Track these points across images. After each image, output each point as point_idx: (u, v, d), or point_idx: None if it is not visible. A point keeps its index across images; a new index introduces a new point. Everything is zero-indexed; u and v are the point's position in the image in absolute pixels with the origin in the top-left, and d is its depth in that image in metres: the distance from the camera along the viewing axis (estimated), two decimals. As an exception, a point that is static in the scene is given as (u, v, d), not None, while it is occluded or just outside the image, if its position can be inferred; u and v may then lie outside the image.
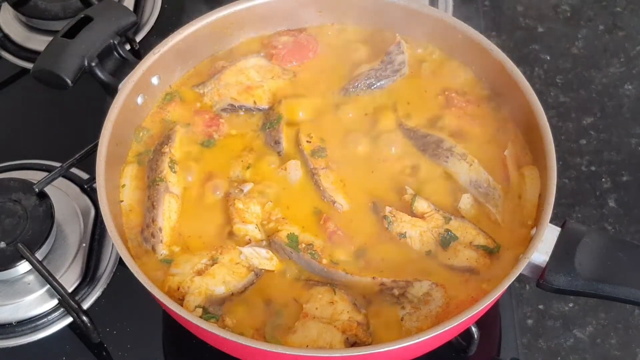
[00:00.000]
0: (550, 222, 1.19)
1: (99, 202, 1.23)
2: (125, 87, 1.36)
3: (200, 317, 1.17)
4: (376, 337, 1.18)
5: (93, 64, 1.38)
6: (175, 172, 1.34)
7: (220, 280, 1.22)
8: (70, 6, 1.75)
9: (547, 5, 1.87)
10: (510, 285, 1.15)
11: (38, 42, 1.76)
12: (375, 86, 1.43)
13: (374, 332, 1.18)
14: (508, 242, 1.25)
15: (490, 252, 1.25)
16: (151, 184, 1.32)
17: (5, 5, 1.81)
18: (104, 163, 1.28)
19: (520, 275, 1.17)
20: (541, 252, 1.19)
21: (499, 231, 1.27)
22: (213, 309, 1.20)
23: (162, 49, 1.41)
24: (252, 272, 1.24)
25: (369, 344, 1.16)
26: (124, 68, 1.41)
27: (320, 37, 1.51)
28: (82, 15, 1.41)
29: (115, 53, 1.42)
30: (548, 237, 1.19)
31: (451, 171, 1.32)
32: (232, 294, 1.22)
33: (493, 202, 1.29)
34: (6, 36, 1.80)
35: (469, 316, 1.11)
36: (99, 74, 1.39)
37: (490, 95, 1.42)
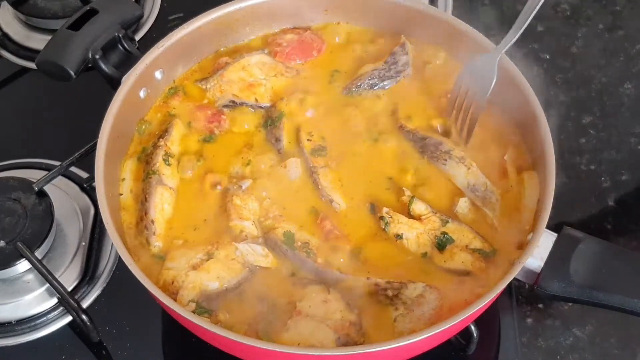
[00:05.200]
0: (549, 223, 1.19)
1: (97, 194, 1.24)
2: (128, 80, 1.37)
3: (194, 311, 1.18)
4: (368, 337, 1.17)
5: (97, 57, 1.38)
6: (169, 164, 1.34)
7: (215, 276, 1.22)
8: (70, 4, 1.76)
9: (546, 4, 1.85)
10: (509, 284, 1.15)
11: (37, 41, 1.76)
12: (378, 86, 1.43)
13: (366, 332, 1.18)
14: (504, 247, 1.25)
15: (486, 256, 1.24)
16: (145, 177, 1.32)
17: (5, 4, 1.81)
18: (104, 155, 1.29)
19: (516, 278, 1.17)
20: (536, 257, 1.18)
21: (495, 235, 1.27)
22: (207, 304, 1.20)
23: (167, 43, 1.42)
24: (247, 268, 1.24)
25: (360, 344, 1.16)
26: (127, 61, 1.41)
27: (325, 36, 1.52)
28: (88, 8, 1.41)
29: (119, 46, 1.43)
30: (544, 243, 1.19)
31: (449, 174, 1.32)
32: (226, 290, 1.22)
33: (490, 206, 1.29)
34: (5, 35, 1.81)
35: (460, 319, 1.12)
36: (103, 66, 1.39)
37: (493, 99, 1.41)
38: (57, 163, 1.49)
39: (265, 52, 1.49)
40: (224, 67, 1.45)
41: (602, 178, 1.59)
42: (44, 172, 1.47)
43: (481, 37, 1.40)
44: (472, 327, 1.28)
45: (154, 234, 1.27)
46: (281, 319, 1.19)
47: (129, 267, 1.17)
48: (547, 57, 1.77)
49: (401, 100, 1.42)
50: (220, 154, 1.38)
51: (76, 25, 1.39)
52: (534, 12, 1.25)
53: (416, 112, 1.40)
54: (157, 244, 1.27)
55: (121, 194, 1.33)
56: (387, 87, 1.44)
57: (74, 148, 1.46)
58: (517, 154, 1.34)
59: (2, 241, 1.39)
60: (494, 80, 1.30)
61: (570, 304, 1.43)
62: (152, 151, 1.35)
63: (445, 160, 1.33)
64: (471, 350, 1.32)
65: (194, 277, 1.21)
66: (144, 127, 1.41)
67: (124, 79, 1.37)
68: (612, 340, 1.40)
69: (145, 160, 1.35)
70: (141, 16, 1.48)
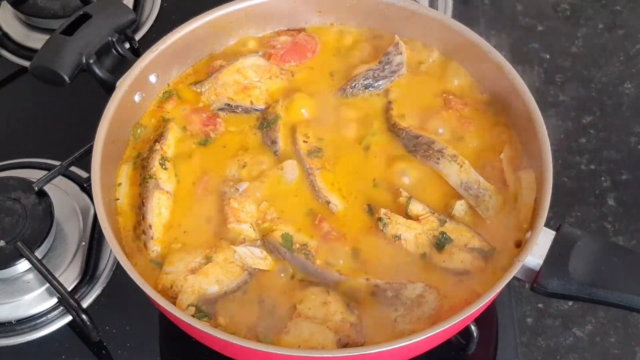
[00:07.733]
0: (549, 221, 1.19)
1: (94, 200, 1.23)
2: (123, 84, 1.36)
3: (193, 315, 1.18)
4: (368, 338, 1.17)
5: (91, 61, 1.38)
6: (165, 168, 1.33)
7: (214, 279, 1.22)
8: (70, 4, 1.75)
9: (546, 4, 1.87)
10: (509, 283, 1.15)
11: (37, 41, 1.75)
12: (372, 86, 1.43)
13: (366, 334, 1.18)
14: (503, 245, 1.25)
15: (485, 255, 1.24)
16: (142, 182, 1.32)
17: (5, 3, 1.81)
18: (100, 161, 1.28)
19: (515, 277, 1.17)
20: (535, 255, 1.18)
21: (493, 234, 1.26)
22: (206, 307, 1.20)
23: (160, 47, 1.41)
24: (246, 271, 1.24)
25: (361, 345, 1.16)
26: (122, 65, 1.41)
27: (319, 37, 1.51)
28: (81, 13, 1.41)
29: (113, 50, 1.43)
30: (542, 240, 1.18)
31: (442, 173, 1.31)
32: (226, 293, 1.22)
33: (484, 205, 1.28)
34: (5, 34, 1.80)
35: (460, 319, 1.11)
36: (97, 71, 1.39)
37: (489, 97, 1.41)
38: (57, 163, 1.48)
39: (260, 54, 1.48)
40: (219, 70, 1.45)
41: (602, 178, 1.59)
42: (44, 172, 1.47)
43: (475, 35, 1.40)
44: (472, 327, 1.28)
45: (152, 238, 1.27)
46: (281, 321, 1.18)
47: (128, 273, 1.16)
48: (547, 56, 1.77)
49: (396, 100, 1.42)
50: (216, 157, 1.37)
51: (70, 30, 1.39)
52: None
53: (410, 112, 1.40)
54: (155, 248, 1.27)
55: (118, 199, 1.33)
56: (381, 87, 1.43)
57: (74, 148, 1.45)
58: (513, 152, 1.34)
59: (2, 241, 1.39)
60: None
61: (570, 303, 1.43)
62: (149, 155, 1.34)
63: (438, 159, 1.32)
64: (471, 349, 1.32)
65: (192, 281, 1.21)
66: (139, 131, 1.40)
67: (118, 83, 1.37)
68: (612, 340, 1.40)
69: (142, 164, 1.35)
70: (135, 20, 1.48)
